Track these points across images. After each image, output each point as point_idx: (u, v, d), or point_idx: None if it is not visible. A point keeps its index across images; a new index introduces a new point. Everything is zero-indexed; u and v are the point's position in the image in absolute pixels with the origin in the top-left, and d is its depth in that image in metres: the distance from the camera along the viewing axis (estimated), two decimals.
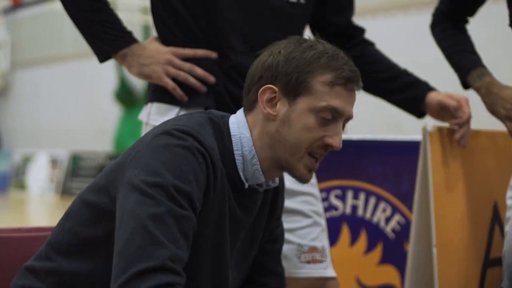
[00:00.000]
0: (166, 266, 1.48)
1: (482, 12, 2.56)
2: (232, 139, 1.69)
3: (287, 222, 2.25)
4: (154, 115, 2.23)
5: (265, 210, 1.81)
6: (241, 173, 1.68)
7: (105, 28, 2.21)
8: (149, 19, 12.73)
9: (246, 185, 1.70)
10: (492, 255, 2.52)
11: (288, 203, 2.28)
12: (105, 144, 14.24)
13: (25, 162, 15.49)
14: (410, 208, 2.95)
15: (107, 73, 14.13)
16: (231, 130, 1.70)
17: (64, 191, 14.17)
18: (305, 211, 2.30)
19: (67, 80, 15.47)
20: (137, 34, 12.53)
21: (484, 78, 2.45)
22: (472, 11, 2.54)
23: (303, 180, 1.71)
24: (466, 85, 2.52)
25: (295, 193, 2.30)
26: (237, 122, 1.71)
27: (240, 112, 1.74)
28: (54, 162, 14.77)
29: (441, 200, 2.38)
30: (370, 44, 2.53)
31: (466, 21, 2.56)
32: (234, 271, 1.75)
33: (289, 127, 1.65)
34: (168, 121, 1.70)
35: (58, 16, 15.00)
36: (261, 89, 1.67)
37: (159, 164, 1.55)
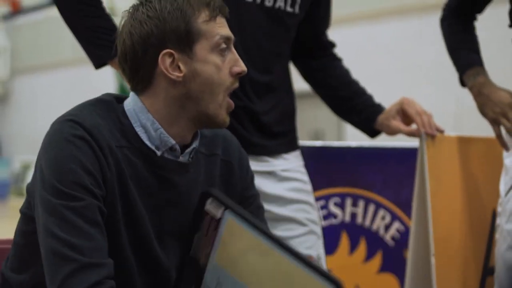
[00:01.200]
0: (86, 263, 1.50)
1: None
2: (127, 114, 1.67)
3: (282, 230, 2.24)
4: None
5: (210, 183, 1.75)
6: (147, 143, 1.65)
7: (101, 34, 2.22)
8: None
9: (158, 153, 1.66)
10: (491, 264, 2.50)
11: (283, 211, 2.26)
12: None
13: (25, 169, 15.49)
14: (409, 215, 2.94)
15: (107, 80, 14.14)
16: (125, 107, 1.68)
17: None
18: (300, 219, 2.29)
19: (66, 87, 15.48)
20: None
21: (478, 78, 2.42)
22: (480, 8, 2.51)
23: (225, 124, 1.70)
24: (463, 83, 2.50)
25: (290, 202, 2.29)
26: (129, 100, 1.69)
27: (131, 93, 1.71)
28: None
29: (439, 208, 2.38)
30: (337, 60, 2.54)
31: (474, 18, 2.54)
32: (170, 243, 1.70)
33: (200, 78, 1.64)
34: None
35: (57, 22, 14.96)
36: (159, 58, 1.63)
37: (45, 164, 1.57)
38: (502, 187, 2.30)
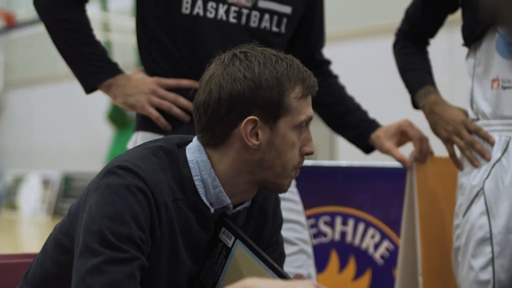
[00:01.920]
0: None
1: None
2: (189, 165, 1.63)
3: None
4: (140, 143, 2.24)
5: (247, 233, 1.77)
6: (204, 198, 1.63)
7: (90, 60, 2.25)
8: None
9: (212, 210, 1.64)
10: None
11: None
12: (97, 165, 14.22)
13: (17, 182, 15.46)
14: (398, 234, 2.96)
15: (100, 94, 14.11)
16: (187, 157, 1.64)
17: (55, 212, 14.15)
18: (290, 239, 2.30)
19: (59, 101, 15.48)
20: (130, 55, 12.59)
21: (429, 97, 2.40)
22: (431, 32, 2.51)
23: (286, 191, 1.69)
24: (414, 105, 2.48)
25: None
26: (193, 147, 1.65)
27: (195, 139, 1.67)
28: (46, 183, 14.76)
29: (427, 228, 2.39)
30: (333, 77, 2.55)
31: (427, 42, 2.54)
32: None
33: (275, 151, 1.62)
34: (116, 157, 1.64)
35: None
36: (243, 123, 1.59)
37: (98, 208, 1.52)
38: (458, 208, 2.26)
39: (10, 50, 16.96)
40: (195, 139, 1.68)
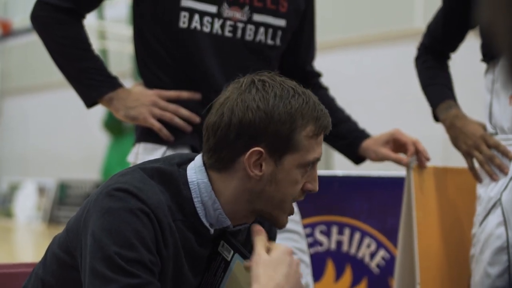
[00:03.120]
0: None
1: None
2: (190, 186, 1.62)
3: None
4: (142, 155, 2.26)
5: (246, 248, 1.79)
6: (203, 220, 1.63)
7: (90, 74, 2.26)
8: None
9: (211, 231, 1.64)
10: None
11: None
12: (93, 173, 14.21)
13: (12, 190, 15.43)
14: (395, 243, 2.96)
15: None
16: (188, 177, 1.63)
17: (51, 220, 14.12)
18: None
19: (55, 109, 15.47)
20: (127, 63, 12.58)
21: (450, 111, 2.45)
22: (453, 47, 2.57)
23: (283, 226, 1.68)
24: (436, 118, 2.53)
25: (278, 231, 2.31)
26: (195, 167, 1.64)
27: (198, 158, 1.67)
28: (41, 190, 14.73)
29: (425, 237, 2.39)
30: (323, 89, 2.57)
31: (448, 57, 2.60)
32: None
33: (276, 185, 1.60)
34: (112, 177, 1.62)
35: None
36: (248, 153, 1.58)
37: (104, 233, 1.51)
38: (475, 218, 2.31)
39: (6, 58, 16.96)
40: (198, 157, 1.67)
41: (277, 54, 2.36)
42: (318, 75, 2.56)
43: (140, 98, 2.25)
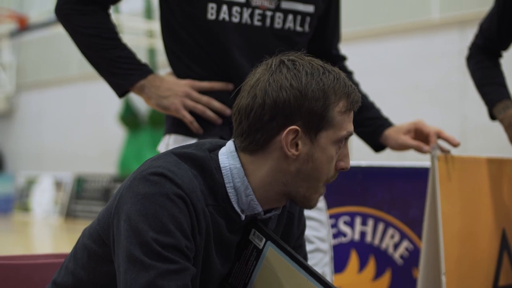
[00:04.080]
0: None
1: None
2: (222, 171, 1.62)
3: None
4: (172, 146, 2.24)
5: (276, 231, 1.77)
6: (235, 205, 1.63)
7: (119, 63, 2.25)
8: (154, 42, 12.80)
9: (243, 216, 1.64)
10: (500, 283, 2.52)
11: None
12: (110, 167, 14.25)
13: (29, 184, 15.50)
14: (418, 234, 2.96)
15: (112, 96, 14.13)
16: (220, 163, 1.63)
17: (68, 214, 14.17)
18: (308, 237, 2.31)
19: (71, 103, 15.52)
20: (143, 57, 12.59)
21: (508, 111, 2.51)
22: (506, 45, 2.62)
23: (313, 207, 1.69)
24: (492, 116, 2.58)
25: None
26: (227, 153, 1.65)
27: (230, 143, 1.67)
28: (58, 185, 14.78)
29: (450, 227, 2.39)
30: (348, 72, 2.55)
31: (500, 55, 2.65)
32: None
33: (313, 164, 1.61)
34: (145, 162, 1.62)
35: (64, 39, 15.05)
36: (285, 132, 1.58)
37: (140, 219, 1.51)
38: None
39: (22, 53, 17.01)
40: (229, 143, 1.67)
41: (305, 41, 2.35)
42: (343, 58, 2.56)
43: (173, 88, 2.24)
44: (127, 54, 2.26)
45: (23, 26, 12.76)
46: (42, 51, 16.26)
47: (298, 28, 2.31)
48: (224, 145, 1.69)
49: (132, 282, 1.48)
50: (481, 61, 2.61)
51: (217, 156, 1.65)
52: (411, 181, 3.01)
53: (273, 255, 1.67)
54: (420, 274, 2.48)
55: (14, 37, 16.44)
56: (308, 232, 2.31)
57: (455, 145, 2.42)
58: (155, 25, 11.70)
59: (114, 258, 1.57)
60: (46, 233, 12.91)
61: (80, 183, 14.46)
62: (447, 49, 8.37)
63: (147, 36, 12.85)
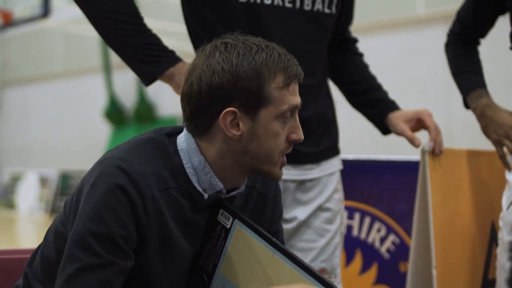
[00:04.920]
0: None
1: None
2: (180, 153, 1.66)
3: (302, 241, 2.27)
4: None
5: (243, 210, 1.77)
6: (196, 185, 1.65)
7: (147, 50, 2.16)
8: None
9: (206, 195, 1.66)
10: (490, 276, 2.51)
11: (302, 214, 2.28)
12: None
13: (14, 181, 15.43)
14: (404, 228, 2.95)
15: (97, 92, 14.11)
16: (178, 146, 1.67)
17: (53, 210, 14.12)
18: (320, 231, 2.30)
19: (56, 99, 15.45)
20: None
21: (481, 100, 2.47)
22: (482, 33, 2.58)
23: (279, 178, 1.71)
24: (467, 105, 2.55)
25: (318, 209, 2.30)
26: (184, 136, 1.68)
27: (186, 132, 1.70)
28: (43, 181, 14.73)
29: (441, 220, 2.38)
30: (358, 54, 2.55)
31: (478, 43, 2.61)
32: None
33: (258, 141, 1.63)
34: (108, 151, 1.67)
35: (49, 34, 14.99)
36: (221, 115, 1.62)
37: (86, 206, 1.57)
38: (504, 201, 2.33)
39: (7, 48, 16.93)
40: (186, 132, 1.69)
41: (332, 23, 2.33)
42: (354, 40, 2.54)
43: None
44: (156, 41, 2.18)
45: (7, 22, 12.68)
46: (26, 46, 16.18)
47: (326, 10, 2.28)
48: (182, 130, 1.71)
49: (60, 272, 1.55)
50: (457, 48, 2.59)
51: (175, 140, 1.68)
52: (398, 174, 3.01)
53: (240, 233, 1.67)
54: (410, 268, 2.47)
55: None
56: (321, 225, 2.31)
57: (440, 151, 2.42)
58: (148, 22, 11.61)
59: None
60: (31, 230, 12.86)
61: (65, 179, 14.41)
62: (433, 44, 8.36)
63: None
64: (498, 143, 2.41)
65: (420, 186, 2.42)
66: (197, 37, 2.23)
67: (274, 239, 1.65)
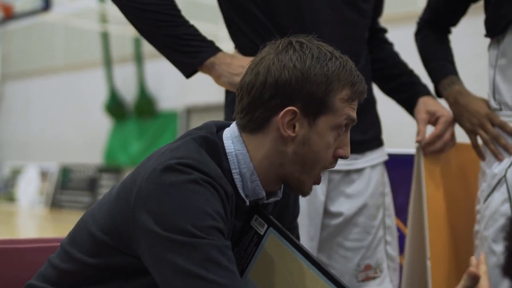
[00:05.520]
0: None
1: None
2: (228, 157, 1.61)
3: (351, 241, 2.28)
4: None
5: (272, 211, 1.76)
6: (241, 191, 1.62)
7: (186, 41, 2.14)
8: None
9: (247, 202, 1.63)
10: None
11: (349, 210, 2.27)
12: (95, 157, 14.22)
13: (15, 174, 15.46)
14: (404, 222, 2.95)
15: (98, 86, 14.12)
16: (226, 148, 1.62)
17: (53, 204, 14.14)
18: (367, 228, 2.30)
19: (57, 93, 15.46)
20: (128, 47, 12.51)
21: (453, 87, 2.40)
22: (453, 21, 2.53)
23: (307, 194, 1.67)
24: (438, 94, 2.48)
25: (363, 206, 2.30)
26: (231, 137, 1.64)
27: (234, 126, 1.66)
28: (43, 175, 14.75)
29: (435, 213, 2.38)
30: (388, 44, 2.53)
31: (448, 31, 2.55)
32: None
33: (309, 147, 1.60)
34: (164, 152, 1.57)
35: (49, 28, 14.99)
36: (282, 112, 1.57)
37: (173, 207, 1.46)
38: (480, 194, 2.28)
39: (8, 42, 16.93)
40: (233, 126, 1.65)
41: (370, 9, 2.32)
42: (384, 30, 2.53)
43: (245, 64, 2.15)
44: (194, 31, 2.15)
45: (8, 15, 12.69)
46: (27, 40, 16.18)
47: None
48: (227, 125, 1.67)
49: (184, 264, 1.44)
50: (428, 35, 2.53)
51: (221, 139, 1.64)
52: (397, 168, 3.00)
53: (273, 242, 1.65)
54: (406, 260, 2.48)
55: None
56: (369, 223, 2.31)
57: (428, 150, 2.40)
58: None
59: (143, 256, 1.52)
60: (32, 224, 12.88)
61: (65, 173, 14.43)
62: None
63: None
64: (472, 133, 2.33)
65: (415, 178, 2.43)
66: (240, 33, 2.21)
67: (309, 252, 1.62)
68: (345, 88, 1.60)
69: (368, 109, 2.31)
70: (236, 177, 1.61)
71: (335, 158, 1.64)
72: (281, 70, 1.58)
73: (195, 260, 1.44)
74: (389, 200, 2.41)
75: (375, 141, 2.37)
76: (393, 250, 2.39)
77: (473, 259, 1.45)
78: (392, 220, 2.41)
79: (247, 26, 2.20)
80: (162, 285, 1.49)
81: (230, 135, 1.64)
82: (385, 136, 2.47)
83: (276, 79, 1.57)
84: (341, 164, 2.24)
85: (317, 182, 1.66)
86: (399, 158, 3.01)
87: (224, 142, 1.63)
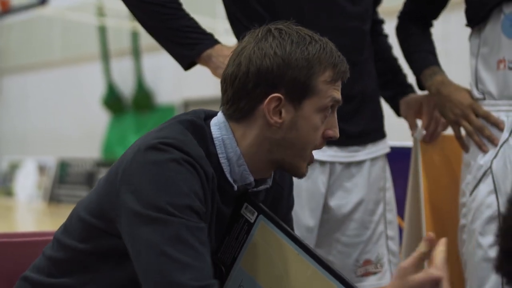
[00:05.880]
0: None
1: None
2: (215, 142, 1.63)
3: (347, 236, 2.28)
4: None
5: (264, 202, 1.75)
6: (228, 176, 1.63)
7: (186, 33, 2.16)
8: (137, 25, 12.73)
9: (235, 187, 1.64)
10: None
11: (346, 205, 2.28)
12: (93, 151, 14.21)
13: (13, 169, 15.45)
14: (401, 215, 2.95)
15: (96, 80, 14.11)
16: (212, 133, 1.64)
17: (51, 198, 14.14)
18: (365, 223, 2.30)
19: (55, 87, 15.45)
20: (126, 40, 12.51)
21: (435, 77, 2.36)
22: (434, 14, 2.50)
23: (303, 176, 1.68)
24: (420, 85, 2.45)
25: (360, 202, 2.30)
26: (218, 123, 1.65)
27: (220, 114, 1.67)
28: (41, 169, 14.74)
29: (432, 206, 2.38)
30: (383, 35, 2.53)
31: (430, 24, 2.52)
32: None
33: (296, 131, 1.61)
34: (149, 133, 1.61)
35: (47, 22, 14.97)
36: (267, 100, 1.59)
37: (152, 185, 1.49)
38: (465, 186, 2.26)
39: (5, 36, 16.91)
40: (220, 113, 1.67)
41: (370, 1, 2.32)
42: (381, 22, 2.52)
43: None
44: (194, 24, 2.18)
45: (5, 9, 12.68)
46: (25, 34, 16.16)
47: None
48: (215, 115, 1.68)
49: (153, 239, 1.46)
50: (408, 28, 2.50)
51: (209, 126, 1.65)
52: (394, 161, 3.00)
53: (264, 229, 1.66)
54: (403, 254, 2.48)
55: None
56: (368, 218, 2.31)
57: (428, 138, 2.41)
58: None
59: (121, 231, 1.54)
60: (30, 218, 12.88)
61: (63, 167, 14.42)
62: (433, 31, 8.38)
63: (130, 19, 12.79)
64: (455, 124, 2.29)
65: (412, 172, 2.43)
66: (240, 26, 2.22)
67: (300, 239, 1.63)
68: (327, 69, 1.61)
69: (371, 101, 2.32)
70: (223, 161, 1.63)
71: (324, 139, 1.66)
72: (262, 58, 1.59)
73: (164, 236, 1.46)
74: (390, 195, 2.40)
75: (377, 133, 2.37)
76: (395, 245, 2.38)
77: (430, 234, 1.45)
78: (393, 215, 2.41)
79: (248, 22, 2.19)
80: (134, 260, 1.50)
81: (217, 122, 1.65)
82: None
83: (258, 67, 1.59)
84: (342, 156, 2.26)
85: (311, 161, 1.67)
86: (395, 151, 3.00)
87: (212, 128, 1.65)
